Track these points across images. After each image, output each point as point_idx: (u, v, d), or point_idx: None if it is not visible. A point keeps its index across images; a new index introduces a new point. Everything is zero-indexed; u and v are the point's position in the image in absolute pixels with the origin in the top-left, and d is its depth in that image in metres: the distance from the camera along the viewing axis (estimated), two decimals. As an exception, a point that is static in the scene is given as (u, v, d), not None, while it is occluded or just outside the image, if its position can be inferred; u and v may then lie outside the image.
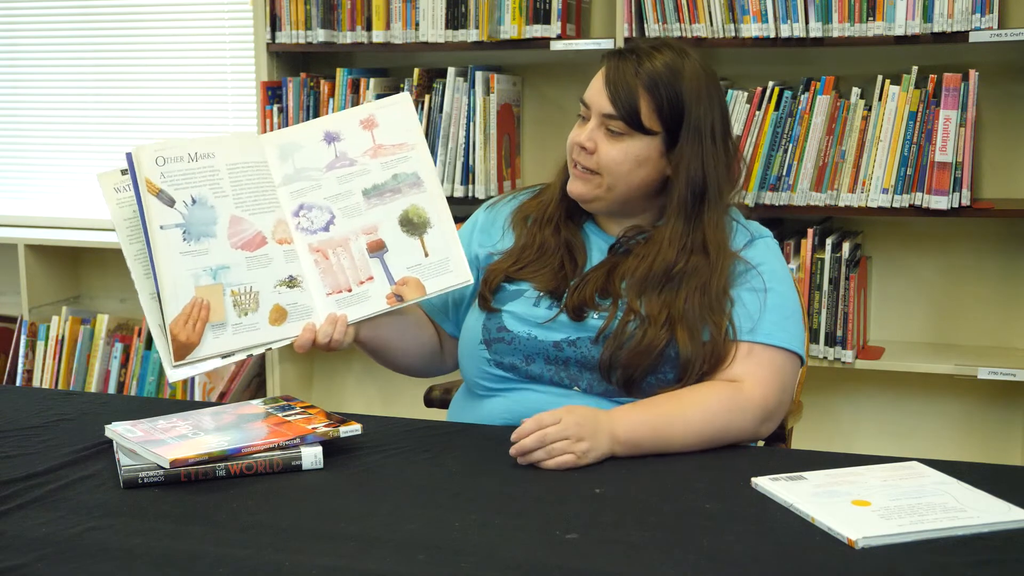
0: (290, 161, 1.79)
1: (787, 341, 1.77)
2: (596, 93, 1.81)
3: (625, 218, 1.87)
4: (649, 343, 1.73)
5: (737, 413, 1.69)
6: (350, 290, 1.77)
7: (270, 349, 1.75)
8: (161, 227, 1.68)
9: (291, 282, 1.75)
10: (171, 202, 1.69)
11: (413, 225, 1.79)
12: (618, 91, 1.78)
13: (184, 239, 1.69)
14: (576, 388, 1.79)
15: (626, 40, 2.92)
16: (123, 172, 1.72)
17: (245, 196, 1.75)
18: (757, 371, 1.74)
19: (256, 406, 1.76)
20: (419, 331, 1.94)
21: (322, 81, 3.31)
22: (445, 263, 1.78)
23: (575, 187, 1.84)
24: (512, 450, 1.59)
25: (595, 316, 1.79)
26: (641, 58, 1.80)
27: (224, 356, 1.71)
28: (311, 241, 1.77)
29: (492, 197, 2.08)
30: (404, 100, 1.84)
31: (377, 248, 1.78)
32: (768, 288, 1.79)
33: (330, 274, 1.77)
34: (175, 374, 1.69)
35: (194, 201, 1.71)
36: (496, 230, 1.96)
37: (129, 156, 1.68)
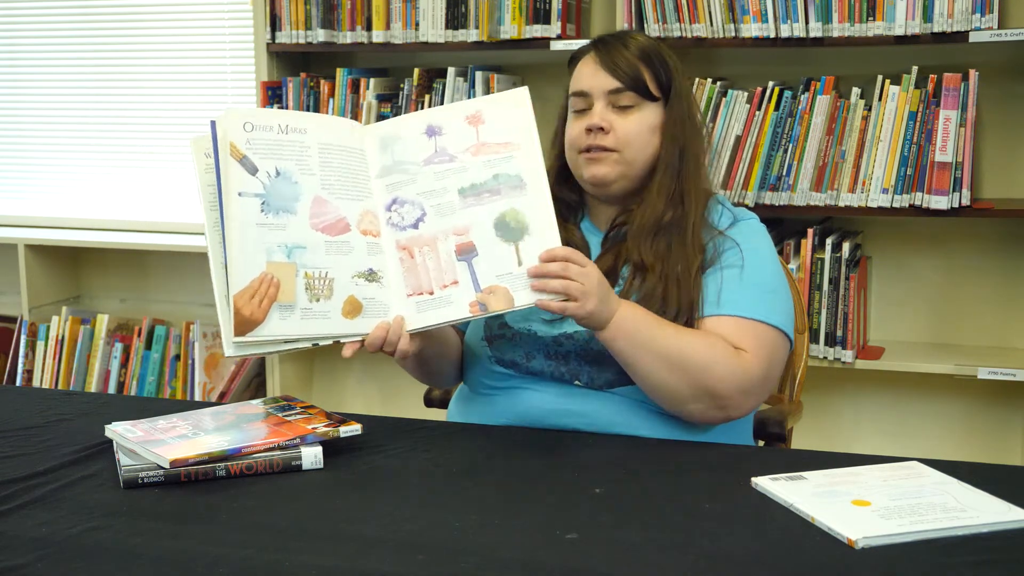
0: (389, 152, 1.71)
1: (767, 315, 1.77)
2: (592, 76, 1.84)
3: (635, 197, 1.87)
4: (649, 292, 1.76)
5: (725, 369, 1.70)
6: (432, 293, 1.66)
7: (338, 342, 1.65)
8: (239, 194, 1.60)
9: (371, 276, 1.66)
10: (254, 170, 1.61)
11: (509, 230, 1.66)
12: (618, 66, 1.82)
13: (262, 210, 1.61)
14: (577, 383, 1.80)
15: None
16: None
17: (333, 179, 1.66)
18: (745, 341, 1.74)
19: (256, 406, 1.76)
20: (456, 343, 1.92)
21: (322, 81, 3.31)
22: None
23: (597, 170, 1.83)
24: (532, 270, 1.60)
25: None
26: (624, 39, 1.87)
27: (287, 341, 1.62)
28: (399, 238, 1.68)
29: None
30: (521, 96, 1.72)
31: (466, 251, 1.66)
32: (746, 264, 1.80)
33: (413, 274, 1.68)
34: (233, 350, 1.61)
35: (278, 173, 1.63)
36: None
37: (213, 124, 1.61)
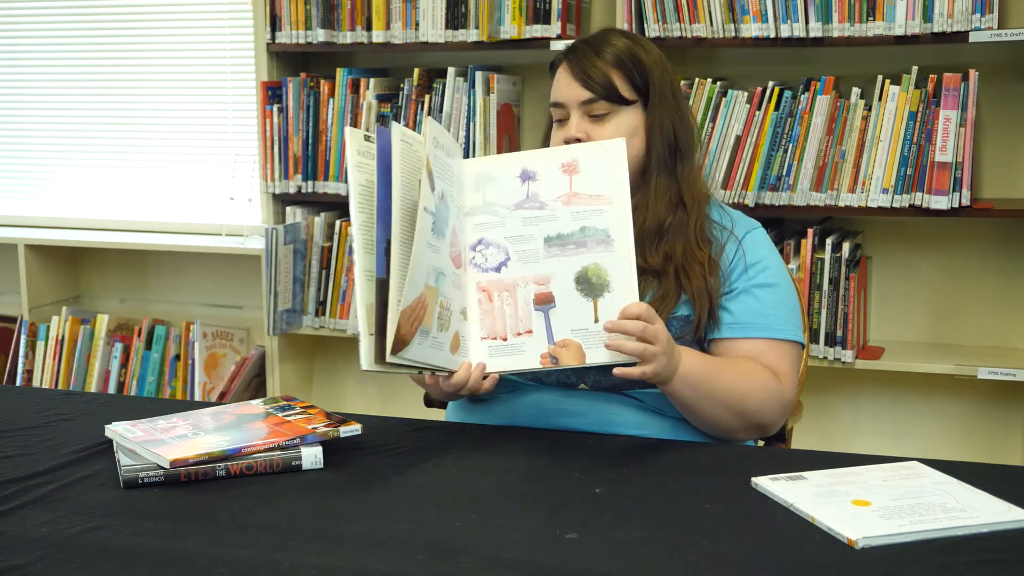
0: (481, 192, 1.70)
1: (796, 334, 1.85)
2: (566, 87, 1.85)
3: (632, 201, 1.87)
4: (665, 292, 1.78)
5: (771, 402, 1.76)
6: (505, 339, 1.66)
7: (446, 377, 1.65)
8: (424, 209, 1.56)
9: (464, 313, 1.67)
10: (432, 188, 1.59)
11: (590, 285, 1.64)
12: (589, 75, 1.83)
13: (432, 230, 1.58)
14: (583, 386, 1.80)
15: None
16: (366, 138, 1.62)
17: (457, 210, 1.68)
18: (780, 363, 1.80)
19: (256, 406, 1.76)
20: None
21: (322, 81, 3.31)
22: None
23: None
24: (609, 324, 1.58)
25: None
26: (598, 45, 1.87)
27: (420, 369, 1.61)
28: (480, 279, 1.68)
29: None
30: (617, 148, 1.68)
31: (544, 301, 1.65)
32: (775, 283, 1.85)
33: (490, 317, 1.67)
34: (374, 366, 1.55)
35: (442, 196, 1.62)
36: None
37: (386, 130, 1.57)
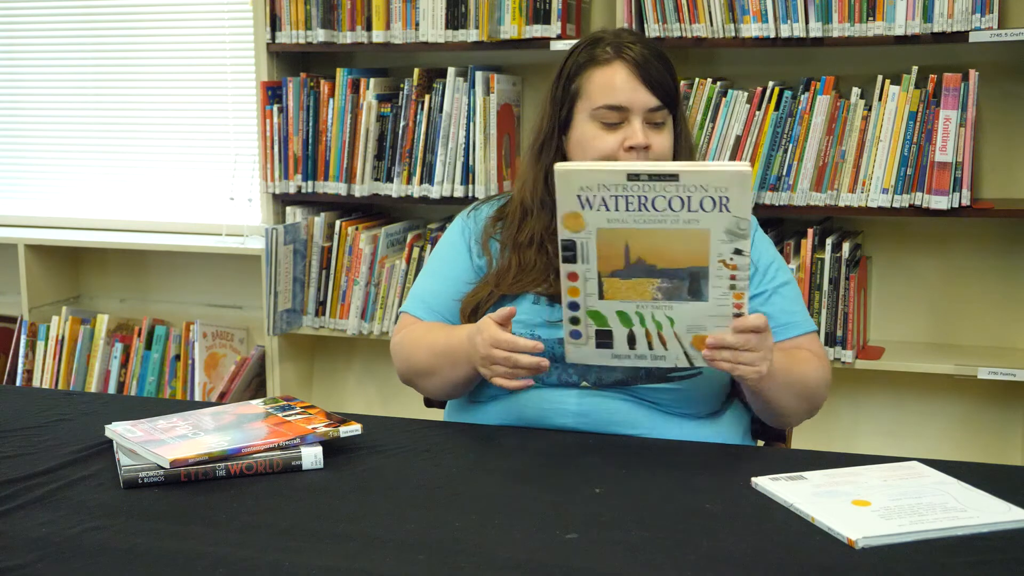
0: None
1: (814, 324, 1.90)
2: (632, 92, 1.80)
3: None
4: None
5: (823, 383, 1.83)
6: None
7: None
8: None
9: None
10: None
11: None
12: (658, 83, 1.81)
13: None
14: (584, 384, 1.80)
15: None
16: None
17: None
18: (816, 351, 1.85)
19: (256, 406, 1.76)
20: None
21: (322, 81, 3.31)
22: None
23: None
24: (716, 340, 1.60)
25: None
26: (644, 46, 1.83)
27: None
28: None
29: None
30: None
31: None
32: (790, 280, 1.90)
33: None
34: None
35: None
36: (475, 244, 1.95)
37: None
